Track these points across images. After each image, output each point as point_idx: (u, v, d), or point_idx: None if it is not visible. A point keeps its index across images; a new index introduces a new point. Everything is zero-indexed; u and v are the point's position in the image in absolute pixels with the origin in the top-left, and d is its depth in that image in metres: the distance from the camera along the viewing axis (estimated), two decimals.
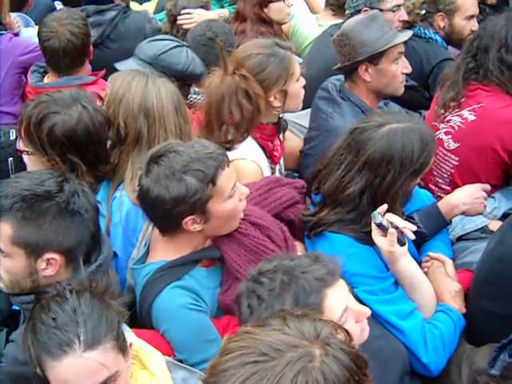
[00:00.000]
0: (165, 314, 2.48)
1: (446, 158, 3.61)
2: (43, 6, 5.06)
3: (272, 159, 3.34)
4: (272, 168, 3.37)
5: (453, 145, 3.58)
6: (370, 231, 2.64)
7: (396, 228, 2.58)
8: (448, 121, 3.61)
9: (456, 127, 3.57)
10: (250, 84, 3.12)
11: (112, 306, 2.10)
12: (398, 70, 3.60)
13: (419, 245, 3.10)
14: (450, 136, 3.59)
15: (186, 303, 2.47)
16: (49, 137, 2.73)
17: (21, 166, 2.93)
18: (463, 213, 3.16)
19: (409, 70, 3.66)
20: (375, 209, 2.62)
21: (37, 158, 2.78)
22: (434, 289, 2.84)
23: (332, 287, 2.01)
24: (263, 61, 3.22)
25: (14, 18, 4.68)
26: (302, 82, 3.33)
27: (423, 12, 4.40)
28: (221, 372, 1.45)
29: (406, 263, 2.67)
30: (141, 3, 5.45)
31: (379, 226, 2.56)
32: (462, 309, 2.82)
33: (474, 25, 4.47)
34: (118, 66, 3.37)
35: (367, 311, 2.11)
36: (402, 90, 3.70)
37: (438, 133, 3.63)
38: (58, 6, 5.22)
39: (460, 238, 3.31)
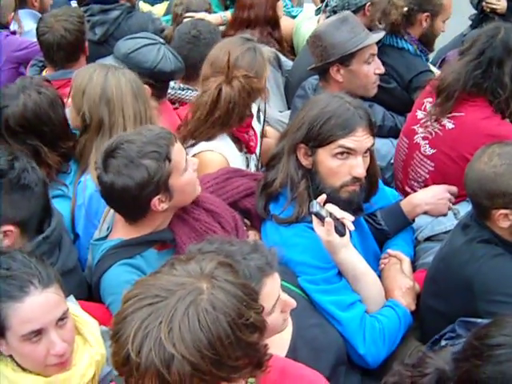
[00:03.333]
0: (110, 288, 2.61)
1: (422, 162, 3.65)
2: (60, 4, 5.25)
3: (249, 149, 3.46)
4: (247, 158, 3.48)
5: (429, 150, 3.61)
6: None
7: (336, 219, 2.66)
8: (427, 126, 3.64)
9: (433, 133, 3.60)
10: (253, 82, 3.26)
11: None
12: (370, 70, 3.68)
13: (382, 242, 3.18)
14: (427, 141, 3.63)
15: (131, 279, 2.54)
16: (7, 130, 2.96)
17: None
18: (426, 213, 3.20)
19: (381, 70, 3.72)
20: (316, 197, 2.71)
21: None
22: (386, 285, 2.90)
23: (270, 277, 2.10)
24: (252, 56, 3.40)
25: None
26: None
27: (405, 9, 4.31)
28: (122, 320, 1.58)
29: (347, 254, 2.72)
30: (152, 4, 5.60)
31: (316, 215, 2.62)
32: (410, 306, 2.86)
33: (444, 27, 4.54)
34: (98, 62, 3.52)
35: (293, 303, 2.19)
36: (374, 90, 3.77)
37: (416, 137, 3.67)
38: (74, 4, 5.42)
39: (428, 239, 3.36)
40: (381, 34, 3.82)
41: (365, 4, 4.42)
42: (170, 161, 2.55)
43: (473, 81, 3.43)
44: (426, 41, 4.56)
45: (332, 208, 2.67)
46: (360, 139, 2.75)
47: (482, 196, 2.64)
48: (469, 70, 3.44)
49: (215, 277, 1.61)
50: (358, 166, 2.76)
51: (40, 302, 2.08)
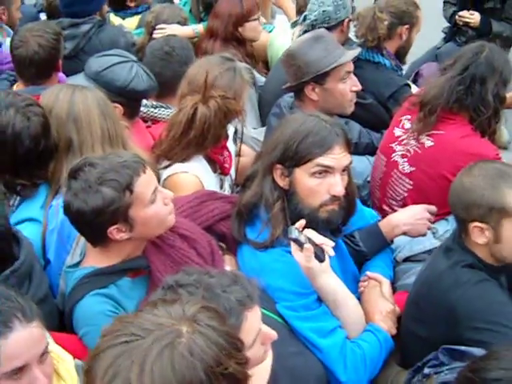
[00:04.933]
0: (83, 319, 2.53)
1: (401, 180, 3.61)
2: (28, 17, 5.15)
3: (223, 170, 3.39)
4: (221, 179, 3.41)
5: (407, 168, 3.58)
6: None
7: (316, 245, 2.59)
8: (405, 144, 3.61)
9: (412, 151, 3.56)
10: (230, 103, 3.19)
11: None
12: (346, 88, 3.63)
13: (360, 263, 3.12)
14: (406, 159, 3.59)
15: (104, 310, 2.51)
16: None
17: None
18: (405, 233, 3.16)
19: (358, 87, 3.68)
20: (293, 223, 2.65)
21: None
22: (366, 308, 2.85)
23: (250, 311, 2.04)
24: (231, 77, 3.33)
25: None
26: None
27: (386, 23, 4.34)
28: (95, 355, 1.52)
29: (327, 280, 2.66)
30: (123, 18, 5.52)
31: (295, 241, 2.56)
32: (391, 330, 2.81)
33: None
34: (69, 80, 3.42)
35: (274, 335, 2.13)
36: (351, 108, 3.72)
37: (393, 155, 3.64)
38: (43, 17, 5.31)
39: (407, 259, 3.32)
40: (356, 51, 3.77)
41: (344, 19, 4.39)
42: (131, 192, 2.46)
43: (455, 96, 3.41)
44: (401, 54, 4.56)
45: (311, 233, 2.61)
46: (338, 157, 2.70)
47: (460, 207, 2.65)
48: (452, 85, 3.42)
49: (197, 321, 1.53)
50: (336, 185, 2.71)
51: (25, 338, 1.98)
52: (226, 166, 3.40)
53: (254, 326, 2.06)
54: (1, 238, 2.48)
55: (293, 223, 2.69)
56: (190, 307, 1.57)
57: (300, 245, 2.56)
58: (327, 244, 2.62)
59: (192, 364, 1.45)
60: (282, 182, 2.78)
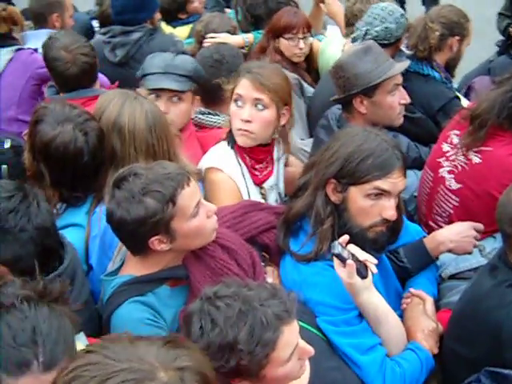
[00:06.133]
0: (121, 326, 2.52)
1: (447, 197, 3.53)
2: (81, 24, 5.23)
3: (251, 175, 3.36)
4: (261, 190, 3.39)
5: (454, 185, 3.50)
6: None
7: (358, 261, 2.56)
8: (453, 160, 3.54)
9: (459, 167, 3.48)
10: None
11: (67, 317, 2.12)
12: (395, 101, 3.57)
13: (404, 279, 3.08)
14: (453, 175, 3.51)
15: (143, 318, 2.52)
16: (31, 139, 2.95)
17: (14, 174, 3.05)
18: (450, 250, 3.10)
19: (407, 100, 3.62)
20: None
21: None
22: (409, 326, 2.81)
23: (288, 325, 2.03)
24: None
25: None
26: None
27: (437, 34, 4.24)
28: (86, 351, 1.52)
29: (369, 296, 2.62)
30: (174, 27, 5.57)
31: (337, 256, 2.52)
32: (433, 349, 2.75)
33: None
34: (149, 85, 3.43)
35: (311, 351, 2.12)
36: (399, 121, 3.67)
37: (441, 170, 3.56)
38: (96, 25, 5.39)
39: (453, 277, 3.26)
40: (405, 64, 3.71)
41: (401, 37, 4.34)
42: (174, 204, 2.47)
43: (507, 112, 3.30)
44: (451, 66, 4.48)
45: (354, 249, 2.58)
46: (395, 181, 2.68)
47: (505, 222, 2.56)
48: (504, 100, 3.32)
49: (179, 377, 1.45)
50: (390, 208, 2.69)
51: None
52: (256, 174, 3.36)
53: (291, 341, 2.05)
54: (46, 235, 2.50)
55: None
56: (184, 361, 1.49)
57: (343, 260, 2.53)
58: (370, 261, 2.58)
59: None
60: (334, 197, 2.75)
